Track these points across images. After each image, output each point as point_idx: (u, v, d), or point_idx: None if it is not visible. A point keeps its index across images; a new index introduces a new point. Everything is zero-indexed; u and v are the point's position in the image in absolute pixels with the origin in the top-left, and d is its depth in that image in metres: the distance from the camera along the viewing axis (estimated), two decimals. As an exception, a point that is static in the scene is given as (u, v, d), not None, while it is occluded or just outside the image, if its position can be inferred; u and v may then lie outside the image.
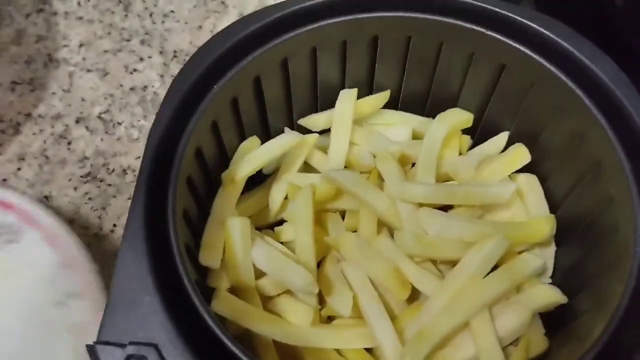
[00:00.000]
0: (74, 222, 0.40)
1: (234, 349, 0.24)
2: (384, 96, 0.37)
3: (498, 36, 0.31)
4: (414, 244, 0.31)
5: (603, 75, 0.28)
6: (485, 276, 0.30)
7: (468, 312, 0.29)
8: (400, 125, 0.38)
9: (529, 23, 0.30)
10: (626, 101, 0.28)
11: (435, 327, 0.29)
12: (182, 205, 0.28)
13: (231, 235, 0.31)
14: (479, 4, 0.31)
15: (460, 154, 0.36)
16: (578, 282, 0.30)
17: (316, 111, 0.38)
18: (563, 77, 0.30)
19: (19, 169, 0.42)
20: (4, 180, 0.41)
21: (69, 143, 0.43)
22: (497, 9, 0.31)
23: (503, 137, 0.36)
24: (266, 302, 0.32)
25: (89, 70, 0.45)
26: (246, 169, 0.33)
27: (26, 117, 0.43)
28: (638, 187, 0.26)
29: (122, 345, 0.22)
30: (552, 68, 0.30)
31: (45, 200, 0.41)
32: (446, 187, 0.32)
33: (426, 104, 0.38)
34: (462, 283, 0.30)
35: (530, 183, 0.34)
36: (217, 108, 0.31)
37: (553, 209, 0.34)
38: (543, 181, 0.34)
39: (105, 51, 0.46)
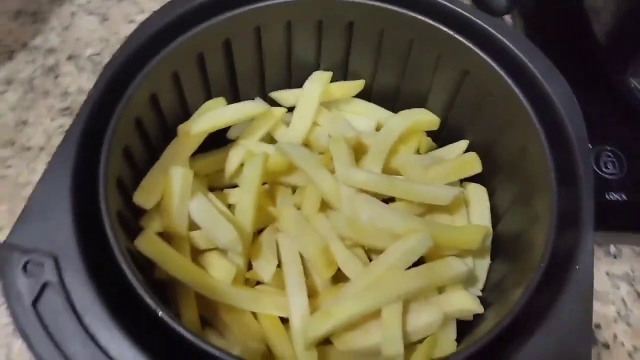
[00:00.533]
0: (43, 149, 0.41)
1: (144, 295, 0.24)
2: (357, 85, 0.38)
3: (464, 41, 0.31)
4: (345, 226, 0.31)
5: (552, 94, 0.28)
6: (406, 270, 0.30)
7: (379, 300, 0.29)
8: (366, 116, 0.38)
9: (494, 32, 0.30)
10: (569, 122, 0.28)
11: (343, 308, 0.29)
12: (123, 142, 0.29)
13: (172, 182, 0.32)
14: (452, 6, 0.32)
15: (418, 154, 0.37)
16: (495, 295, 0.31)
17: (289, 87, 0.39)
18: (516, 90, 0.30)
19: (4, 92, 0.43)
20: (-12, 99, 0.43)
21: (56, 77, 0.44)
22: (467, 14, 0.31)
23: (462, 144, 0.36)
24: (196, 255, 0.33)
25: (90, 13, 0.47)
26: (204, 124, 0.34)
27: (22, 46, 0.45)
28: (559, 209, 0.26)
29: (25, 251, 0.23)
30: (508, 79, 0.30)
31: (21, 125, 0.42)
32: (389, 179, 0.33)
33: (396, 101, 0.38)
34: (381, 272, 0.30)
35: (478, 194, 0.35)
36: (180, 59, 0.32)
37: (494, 223, 0.34)
38: (490, 195, 0.35)
39: (110, -2, 0.48)
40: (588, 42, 0.37)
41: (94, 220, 0.25)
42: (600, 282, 0.38)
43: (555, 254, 0.25)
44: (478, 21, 0.31)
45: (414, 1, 0.32)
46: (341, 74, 0.38)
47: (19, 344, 0.35)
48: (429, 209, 0.34)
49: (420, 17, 0.32)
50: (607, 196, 0.33)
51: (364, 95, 0.39)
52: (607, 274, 0.38)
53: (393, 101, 0.38)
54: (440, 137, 0.38)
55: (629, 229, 0.33)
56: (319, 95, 0.37)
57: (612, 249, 0.39)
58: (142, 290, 0.24)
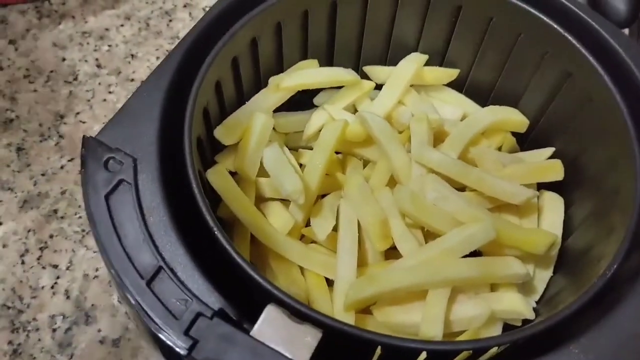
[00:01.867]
0: (134, 80, 0.44)
1: (203, 209, 0.25)
2: (450, 73, 0.38)
3: (573, 40, 0.30)
4: (409, 201, 0.31)
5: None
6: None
7: (428, 280, 0.29)
8: (454, 106, 0.38)
9: (607, 37, 0.29)
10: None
11: (390, 277, 0.29)
12: (216, 76, 0.31)
13: (252, 125, 0.33)
14: (567, 4, 0.31)
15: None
16: (547, 308, 0.29)
17: (384, 64, 0.39)
18: (619, 99, 0.29)
19: (122, 25, 0.47)
20: (106, 29, 0.46)
21: (170, 21, 0.47)
22: (581, 14, 0.30)
23: (547, 151, 0.35)
24: (259, 202, 0.34)
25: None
26: (294, 80, 0.35)
27: (147, -14, 0.48)
28: (637, 226, 0.25)
29: (110, 149, 0.25)
30: (613, 87, 0.29)
31: (130, 58, 0.45)
32: (463, 165, 0.32)
33: (489, 97, 0.38)
34: (435, 253, 0.30)
35: (554, 203, 0.33)
36: (285, 12, 0.33)
37: (565, 237, 0.33)
38: (567, 207, 0.33)
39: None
40: None
41: (177, 137, 0.27)
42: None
43: (621, 268, 0.24)
44: (591, 22, 0.30)
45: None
46: (438, 60, 0.38)
47: (82, 252, 0.38)
48: (499, 207, 0.33)
49: (532, 10, 0.32)
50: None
51: (457, 85, 0.38)
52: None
53: (486, 96, 0.38)
54: (527, 141, 0.37)
55: None
56: (411, 75, 0.37)
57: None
58: (204, 207, 0.25)
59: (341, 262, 0.31)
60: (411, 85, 0.38)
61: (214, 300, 0.22)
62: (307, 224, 0.34)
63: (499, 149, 0.36)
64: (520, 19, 0.32)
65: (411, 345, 0.22)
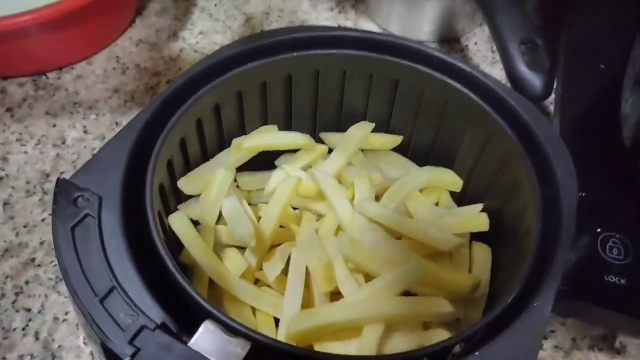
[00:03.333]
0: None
1: (156, 239, 0.29)
2: (395, 139, 0.42)
3: (489, 110, 0.35)
4: (349, 246, 0.35)
5: (557, 167, 0.31)
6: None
7: (363, 314, 0.32)
8: (398, 168, 0.42)
9: (520, 111, 0.34)
10: (564, 197, 0.30)
11: (327, 312, 0.32)
12: (182, 133, 0.35)
13: (214, 179, 0.37)
14: (482, 79, 0.36)
15: (436, 207, 0.40)
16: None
17: (338, 131, 0.44)
18: (526, 159, 0.33)
19: (110, 97, 0.52)
20: (96, 101, 0.52)
21: (153, 94, 0.53)
22: (496, 88, 0.35)
23: (477, 207, 0.39)
24: (219, 248, 0.37)
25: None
26: (255, 141, 0.40)
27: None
28: (534, 265, 0.29)
29: (79, 188, 0.29)
30: (522, 150, 0.34)
31: (114, 125, 0.50)
32: (399, 215, 0.36)
33: (429, 160, 0.42)
34: (370, 292, 0.33)
35: (482, 251, 0.37)
36: (246, 83, 0.38)
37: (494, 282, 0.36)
38: (495, 256, 0.37)
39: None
40: (616, 141, 0.39)
41: (140, 181, 0.31)
42: (599, 373, 0.37)
43: (519, 297, 0.27)
44: (504, 95, 0.35)
45: (451, 69, 0.37)
46: (384, 127, 0.43)
47: (54, 297, 0.40)
48: (433, 255, 0.37)
49: (456, 84, 0.37)
50: (606, 278, 0.34)
51: (401, 150, 0.43)
52: (607, 366, 0.38)
53: (426, 159, 0.42)
54: (463, 199, 0.41)
55: (624, 311, 0.34)
56: (359, 139, 0.41)
57: (617, 344, 0.39)
58: (157, 237, 0.29)
59: (287, 300, 0.34)
60: (362, 150, 0.42)
61: (158, 316, 0.25)
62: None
63: (436, 204, 0.40)
64: (446, 91, 0.37)
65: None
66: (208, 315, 0.25)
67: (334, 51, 0.39)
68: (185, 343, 0.24)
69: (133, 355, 0.24)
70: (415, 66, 0.37)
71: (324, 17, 0.59)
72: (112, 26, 0.56)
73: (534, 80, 0.40)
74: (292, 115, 0.42)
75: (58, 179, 0.29)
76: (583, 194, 0.37)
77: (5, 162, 0.47)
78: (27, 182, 0.46)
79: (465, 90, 0.37)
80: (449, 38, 0.57)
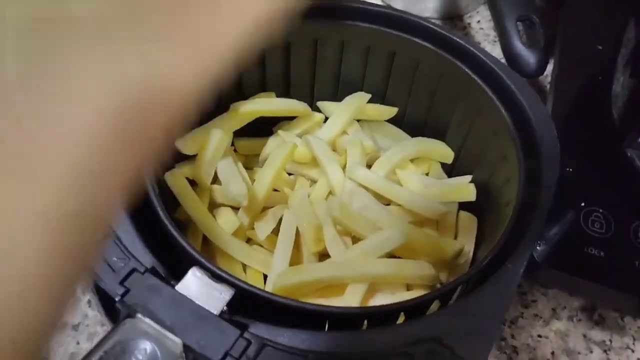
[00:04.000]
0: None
1: (152, 196, 0.30)
2: (390, 110, 0.43)
3: (482, 83, 0.36)
4: (338, 209, 0.36)
5: (540, 141, 0.32)
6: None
7: (346, 274, 0.33)
8: (392, 138, 0.43)
9: (511, 85, 0.35)
10: (545, 167, 0.31)
11: (313, 269, 0.33)
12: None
13: (210, 139, 0.38)
14: (477, 53, 0.37)
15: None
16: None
17: (335, 100, 0.45)
18: (514, 132, 0.34)
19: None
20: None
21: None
22: (489, 62, 0.36)
23: (466, 178, 0.40)
24: (213, 207, 0.39)
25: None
26: (252, 106, 0.41)
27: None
28: (511, 233, 0.30)
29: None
30: (510, 123, 0.34)
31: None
32: (387, 182, 0.37)
33: (423, 132, 0.43)
34: (356, 253, 0.34)
35: (468, 221, 0.38)
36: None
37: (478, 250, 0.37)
38: (480, 225, 0.38)
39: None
40: (606, 120, 0.40)
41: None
42: (576, 341, 0.39)
43: (494, 260, 0.28)
44: (496, 69, 0.36)
45: (447, 43, 0.38)
46: (380, 99, 0.44)
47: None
48: (421, 222, 0.38)
49: (451, 57, 0.38)
50: (586, 250, 0.35)
51: (396, 122, 0.44)
52: (584, 336, 0.39)
53: (420, 131, 0.43)
54: (454, 171, 0.42)
55: (602, 282, 0.35)
56: (355, 109, 0.42)
57: (596, 316, 0.40)
58: (152, 192, 0.30)
59: (276, 257, 0.35)
60: (358, 120, 0.43)
61: (149, 261, 0.27)
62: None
63: (427, 174, 0.41)
64: (442, 65, 0.38)
65: (309, 307, 0.27)
66: (195, 263, 0.27)
67: (334, 20, 0.39)
68: (172, 286, 0.26)
69: (123, 295, 0.25)
70: (412, 38, 0.38)
71: (330, -9, 0.60)
72: None
73: (529, 57, 0.41)
74: (290, 83, 0.43)
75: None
76: (570, 170, 0.38)
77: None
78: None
79: (460, 64, 0.37)
80: (452, 15, 0.58)
